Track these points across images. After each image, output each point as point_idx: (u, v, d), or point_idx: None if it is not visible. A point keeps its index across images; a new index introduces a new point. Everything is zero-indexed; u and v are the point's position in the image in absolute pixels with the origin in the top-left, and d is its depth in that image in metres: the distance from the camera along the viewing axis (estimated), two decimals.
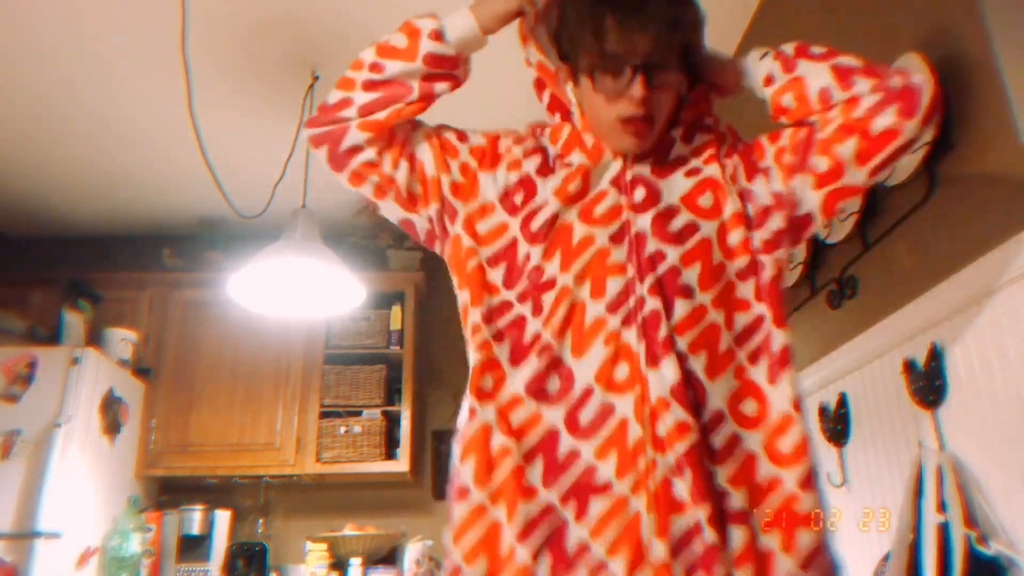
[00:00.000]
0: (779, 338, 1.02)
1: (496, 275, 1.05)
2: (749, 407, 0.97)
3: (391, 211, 1.15)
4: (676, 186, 1.06)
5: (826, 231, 1.74)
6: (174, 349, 3.49)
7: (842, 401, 1.70)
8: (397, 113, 1.10)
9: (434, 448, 3.70)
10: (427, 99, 1.12)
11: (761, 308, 1.02)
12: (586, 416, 0.95)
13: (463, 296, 1.07)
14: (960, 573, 1.17)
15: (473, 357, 1.03)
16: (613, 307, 0.98)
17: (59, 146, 3.17)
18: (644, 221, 1.02)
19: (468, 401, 1.01)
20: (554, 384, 0.98)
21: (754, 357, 1.00)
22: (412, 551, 3.27)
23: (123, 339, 3.31)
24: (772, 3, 2.33)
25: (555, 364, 0.98)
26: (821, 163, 1.04)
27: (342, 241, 3.65)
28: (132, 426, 3.29)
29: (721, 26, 2.52)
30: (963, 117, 1.34)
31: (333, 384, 3.47)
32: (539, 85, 1.16)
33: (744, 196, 1.06)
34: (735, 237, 1.03)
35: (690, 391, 0.95)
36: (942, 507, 1.24)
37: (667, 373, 0.94)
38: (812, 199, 1.05)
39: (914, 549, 1.27)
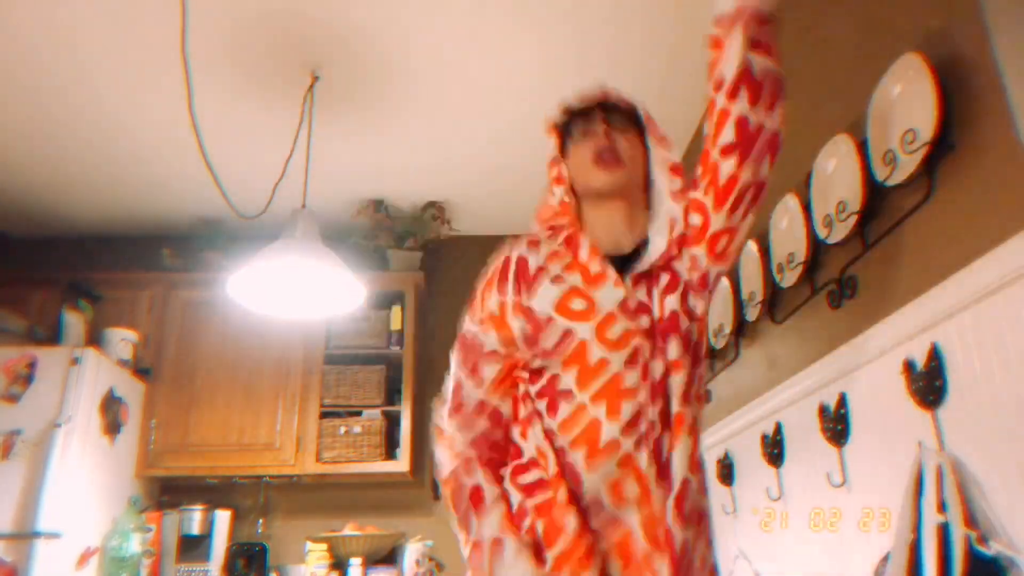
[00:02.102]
0: None
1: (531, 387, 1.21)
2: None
3: None
4: (659, 305, 1.19)
5: (826, 231, 1.74)
6: (174, 349, 3.49)
7: (842, 401, 1.70)
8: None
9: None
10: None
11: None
12: (595, 523, 1.07)
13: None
14: (960, 573, 1.17)
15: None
16: (627, 430, 1.09)
17: (59, 146, 3.17)
18: (648, 346, 1.14)
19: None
20: (577, 484, 1.11)
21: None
22: (412, 551, 3.28)
23: (123, 339, 3.31)
24: None
25: (569, 468, 1.11)
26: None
27: (342, 241, 3.65)
28: (132, 426, 3.29)
29: None
30: (963, 117, 1.34)
31: (333, 384, 3.47)
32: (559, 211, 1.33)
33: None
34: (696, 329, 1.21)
35: (687, 502, 1.10)
36: (942, 507, 1.24)
37: (672, 491, 1.08)
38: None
39: (914, 549, 1.27)
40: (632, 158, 1.29)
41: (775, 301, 2.11)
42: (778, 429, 2.03)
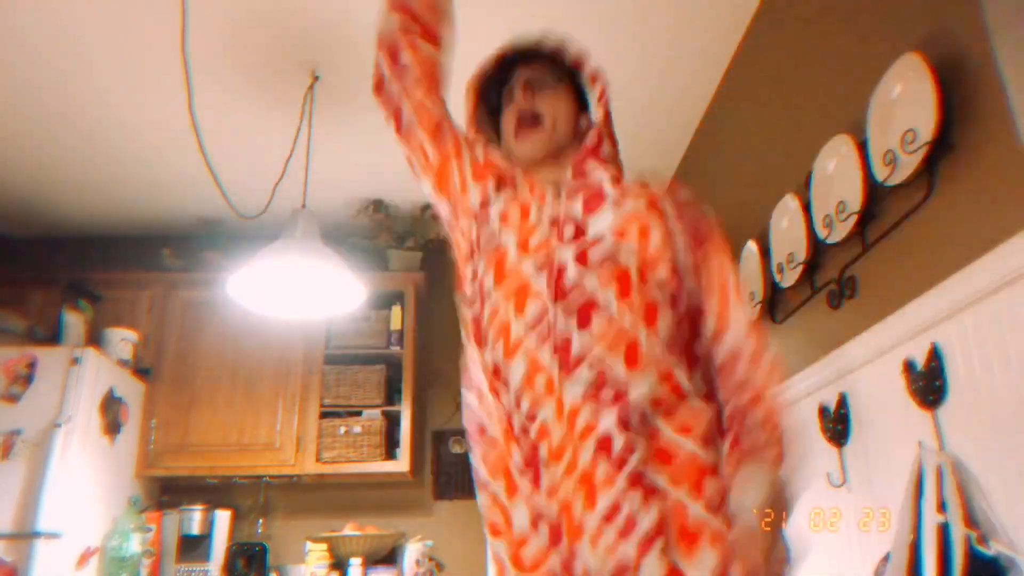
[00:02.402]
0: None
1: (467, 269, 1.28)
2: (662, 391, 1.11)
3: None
4: (603, 220, 1.19)
5: (826, 231, 1.74)
6: (174, 349, 3.49)
7: (842, 401, 1.70)
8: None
9: (434, 448, 3.70)
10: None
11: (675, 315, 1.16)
12: (523, 412, 1.11)
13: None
14: (960, 573, 1.17)
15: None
16: (532, 326, 1.12)
17: (59, 146, 3.17)
18: (566, 254, 1.16)
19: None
20: (502, 374, 1.14)
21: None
22: (412, 551, 3.28)
23: (123, 339, 3.31)
24: (771, 3, 2.33)
25: (495, 365, 1.16)
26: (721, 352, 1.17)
27: (342, 241, 3.64)
28: (132, 426, 3.29)
29: (723, 24, 2.52)
30: (963, 117, 1.34)
31: (333, 384, 3.47)
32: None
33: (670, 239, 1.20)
34: (652, 257, 1.16)
35: (607, 389, 1.08)
36: (942, 507, 1.24)
37: (580, 381, 1.08)
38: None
39: (914, 549, 1.27)
40: (555, 114, 1.30)
41: (775, 301, 2.11)
42: None
